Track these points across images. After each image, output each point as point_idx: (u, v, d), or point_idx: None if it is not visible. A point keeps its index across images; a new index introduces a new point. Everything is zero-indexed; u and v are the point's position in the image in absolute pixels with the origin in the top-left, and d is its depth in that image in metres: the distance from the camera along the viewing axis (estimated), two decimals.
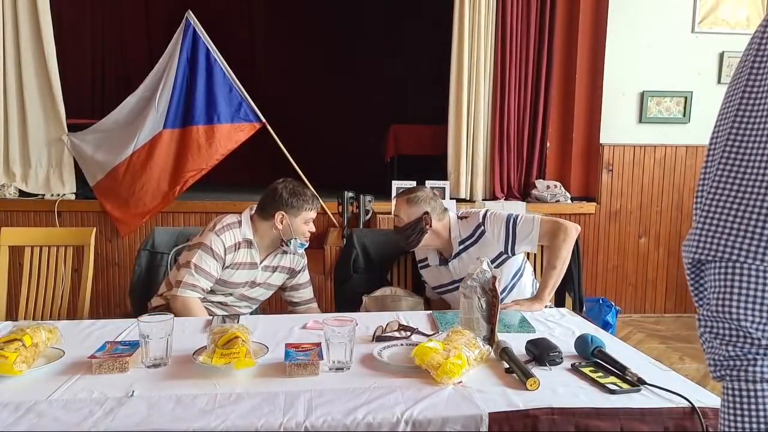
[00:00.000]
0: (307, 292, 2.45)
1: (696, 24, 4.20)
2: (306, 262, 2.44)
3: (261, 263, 2.27)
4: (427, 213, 2.28)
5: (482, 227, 2.27)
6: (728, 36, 4.21)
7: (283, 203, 2.22)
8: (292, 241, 2.23)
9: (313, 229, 2.29)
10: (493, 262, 2.26)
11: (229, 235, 2.19)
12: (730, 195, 0.83)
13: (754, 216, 0.80)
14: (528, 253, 2.46)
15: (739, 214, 0.81)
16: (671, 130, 4.29)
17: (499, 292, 1.70)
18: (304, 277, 2.44)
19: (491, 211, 2.33)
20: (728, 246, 0.82)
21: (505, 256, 2.26)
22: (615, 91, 4.23)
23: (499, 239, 2.24)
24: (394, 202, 2.38)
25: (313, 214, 2.27)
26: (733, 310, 0.82)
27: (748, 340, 0.82)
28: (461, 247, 2.30)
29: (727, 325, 0.83)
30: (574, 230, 2.18)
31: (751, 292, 0.81)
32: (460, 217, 2.36)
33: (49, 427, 1.21)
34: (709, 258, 0.84)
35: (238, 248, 2.21)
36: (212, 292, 2.23)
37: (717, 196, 0.84)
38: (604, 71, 4.21)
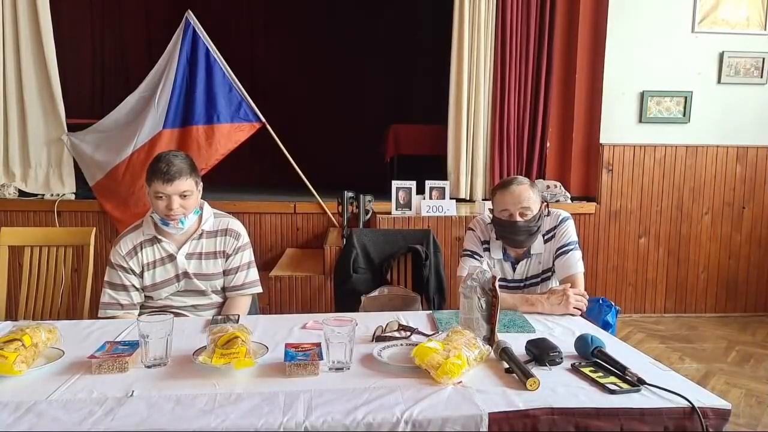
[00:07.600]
0: (236, 279, 2.17)
1: (696, 24, 4.20)
2: (241, 244, 2.18)
3: (179, 251, 2.12)
4: (545, 200, 2.19)
5: (554, 231, 2.19)
6: (728, 36, 4.21)
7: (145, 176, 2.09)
8: (153, 215, 2.07)
9: (173, 206, 2.00)
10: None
11: (124, 243, 2.12)
12: None
13: None
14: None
15: None
16: (671, 130, 4.29)
17: (498, 290, 1.70)
18: (236, 260, 2.17)
19: (571, 222, 2.22)
20: None
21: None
22: (615, 91, 4.23)
23: (555, 246, 2.18)
24: (501, 195, 2.15)
25: (163, 188, 1.99)
26: None
27: None
28: (544, 238, 2.20)
29: None
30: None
31: None
32: None
33: (49, 427, 1.20)
34: None
35: (141, 249, 2.11)
36: (151, 298, 2.15)
37: None
38: (604, 71, 4.21)
